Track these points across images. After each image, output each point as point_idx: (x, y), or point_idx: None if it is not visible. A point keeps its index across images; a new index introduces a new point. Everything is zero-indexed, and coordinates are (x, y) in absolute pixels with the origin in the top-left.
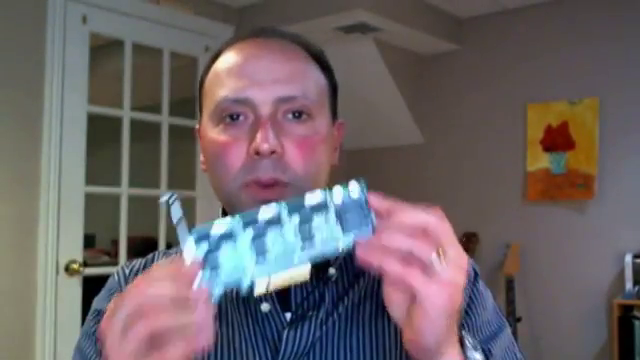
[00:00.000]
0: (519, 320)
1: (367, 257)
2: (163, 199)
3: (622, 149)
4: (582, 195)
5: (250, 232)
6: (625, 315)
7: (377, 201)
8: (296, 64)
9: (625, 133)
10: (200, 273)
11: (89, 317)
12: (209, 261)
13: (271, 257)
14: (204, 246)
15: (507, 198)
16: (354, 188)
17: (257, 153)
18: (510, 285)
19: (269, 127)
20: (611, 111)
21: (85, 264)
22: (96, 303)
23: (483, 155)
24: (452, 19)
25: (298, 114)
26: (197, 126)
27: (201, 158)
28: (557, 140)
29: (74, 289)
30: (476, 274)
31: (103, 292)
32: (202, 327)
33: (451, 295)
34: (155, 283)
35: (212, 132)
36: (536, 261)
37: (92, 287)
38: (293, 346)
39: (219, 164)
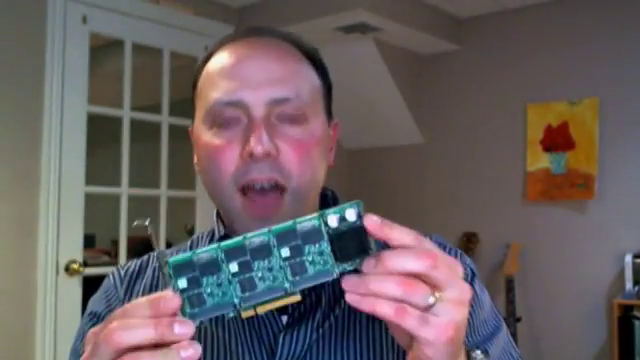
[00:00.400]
0: (519, 320)
1: (358, 304)
2: (138, 223)
3: (622, 149)
4: (582, 195)
5: (234, 265)
6: (625, 315)
7: (374, 226)
8: (289, 64)
9: (625, 133)
10: (179, 311)
11: (85, 319)
12: (190, 297)
13: (257, 292)
14: (183, 281)
15: (507, 198)
16: (350, 212)
17: (251, 156)
18: (510, 285)
19: (263, 129)
20: (611, 111)
21: (85, 264)
22: (92, 305)
23: (483, 155)
24: (452, 19)
25: (292, 116)
26: (190, 127)
27: (195, 159)
28: (557, 140)
29: (74, 289)
30: (473, 274)
31: (98, 293)
32: None
33: (450, 336)
34: (133, 327)
35: (205, 135)
36: (536, 261)
37: (92, 287)
38: (289, 350)
39: (212, 168)
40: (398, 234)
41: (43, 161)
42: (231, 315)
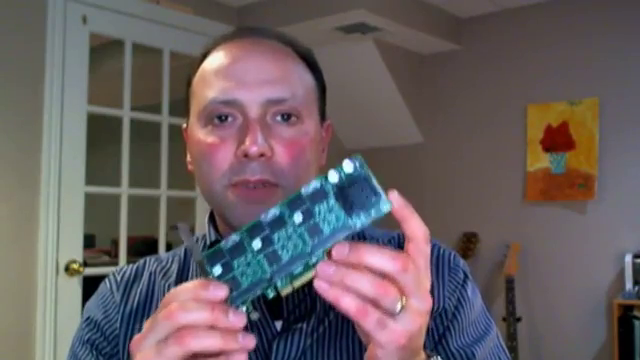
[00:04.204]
0: (519, 320)
1: (324, 292)
2: (180, 227)
3: (622, 149)
4: (582, 195)
5: (258, 242)
6: (625, 315)
7: (398, 203)
8: (285, 65)
9: (625, 133)
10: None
11: (82, 324)
12: (226, 282)
13: (283, 263)
14: (217, 268)
15: (507, 198)
16: (347, 164)
17: (245, 156)
18: (510, 285)
19: (258, 130)
20: (611, 111)
21: (85, 264)
22: (88, 311)
23: (483, 155)
24: (452, 19)
25: (287, 116)
26: (184, 125)
27: (188, 158)
28: (557, 140)
29: (74, 289)
30: (466, 276)
31: (94, 299)
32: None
33: (403, 344)
34: (192, 308)
35: (199, 133)
36: (536, 261)
37: (92, 287)
38: (283, 355)
39: (206, 165)
40: (415, 224)
41: (43, 161)
42: (272, 295)
